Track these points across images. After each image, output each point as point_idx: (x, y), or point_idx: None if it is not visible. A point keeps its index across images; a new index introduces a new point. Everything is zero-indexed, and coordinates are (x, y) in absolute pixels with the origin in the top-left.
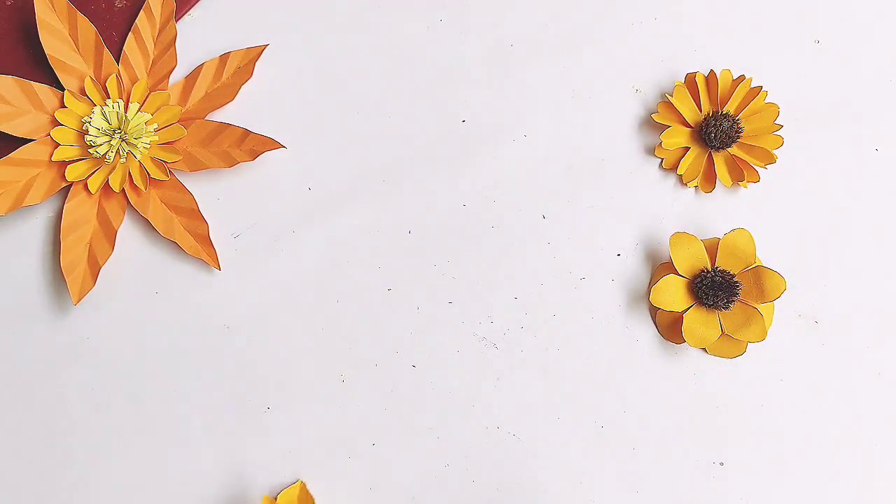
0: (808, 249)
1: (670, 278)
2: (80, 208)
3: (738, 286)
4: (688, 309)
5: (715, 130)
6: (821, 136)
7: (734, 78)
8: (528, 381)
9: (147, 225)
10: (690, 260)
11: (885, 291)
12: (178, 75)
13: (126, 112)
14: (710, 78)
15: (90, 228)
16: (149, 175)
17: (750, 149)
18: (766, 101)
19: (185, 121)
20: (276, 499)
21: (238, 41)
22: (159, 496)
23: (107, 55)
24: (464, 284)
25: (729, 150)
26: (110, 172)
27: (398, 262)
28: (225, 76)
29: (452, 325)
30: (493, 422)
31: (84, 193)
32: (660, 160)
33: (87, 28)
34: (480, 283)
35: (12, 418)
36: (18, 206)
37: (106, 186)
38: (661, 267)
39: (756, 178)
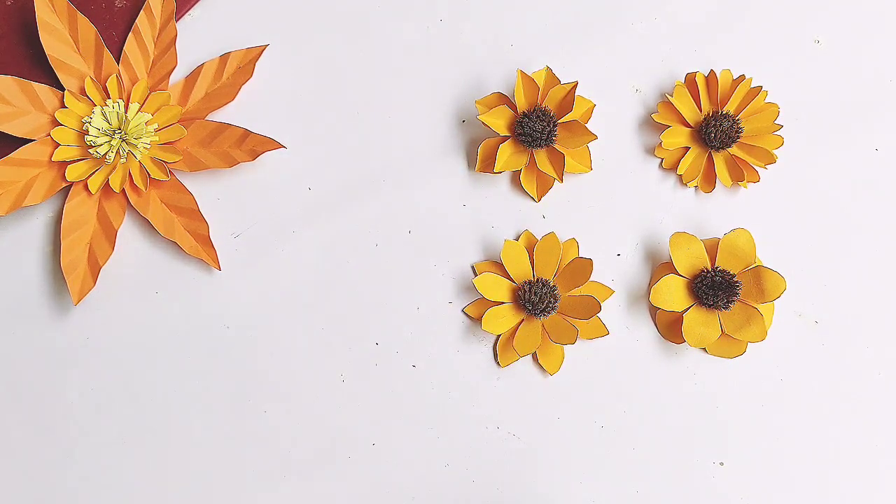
0: (808, 249)
1: (670, 278)
2: (80, 208)
3: (738, 286)
4: (688, 309)
5: (715, 130)
6: (821, 136)
7: (734, 78)
8: (528, 381)
9: (147, 225)
10: (690, 260)
11: (885, 291)
12: (178, 75)
13: (126, 112)
14: (710, 78)
15: (90, 228)
16: (149, 175)
17: (750, 149)
18: (766, 101)
19: (185, 121)
20: None
21: (238, 41)
22: (159, 496)
23: (107, 55)
24: (464, 284)
25: (729, 150)
26: (110, 172)
27: (398, 262)
28: (225, 76)
29: (452, 324)
30: (493, 422)
31: (84, 193)
32: (660, 160)
33: (87, 28)
34: None
35: (12, 418)
36: (18, 206)
37: (106, 186)
38: (661, 267)
39: (756, 178)
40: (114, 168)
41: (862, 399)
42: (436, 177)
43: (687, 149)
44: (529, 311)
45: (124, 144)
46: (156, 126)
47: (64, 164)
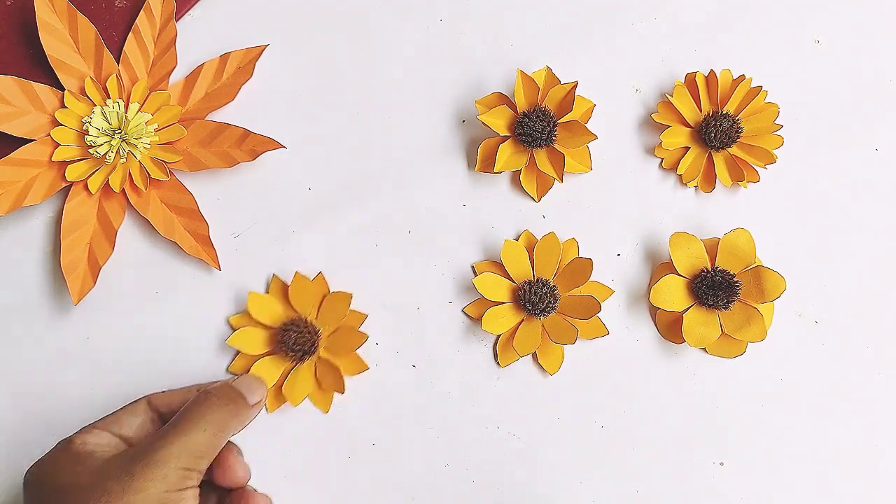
0: (808, 249)
1: (670, 278)
2: (80, 208)
3: (738, 286)
4: (688, 309)
5: (715, 130)
6: (821, 136)
7: (734, 78)
8: (528, 381)
9: (147, 225)
10: (690, 260)
11: (885, 291)
12: (178, 75)
13: (126, 112)
14: (710, 78)
15: (90, 228)
16: (149, 175)
17: (750, 149)
18: (766, 101)
19: (185, 121)
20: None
21: (238, 41)
22: None
23: (107, 55)
24: (464, 284)
25: (729, 150)
26: (110, 172)
27: (398, 262)
28: (225, 76)
29: (452, 324)
30: (493, 422)
31: (84, 193)
32: (660, 160)
33: (87, 28)
34: None
35: (12, 418)
36: (18, 206)
37: (106, 186)
38: (661, 267)
39: (756, 178)
40: (114, 168)
41: (862, 399)
42: (436, 177)
43: (687, 149)
44: (529, 311)
45: (124, 144)
46: (156, 126)
47: (64, 164)
